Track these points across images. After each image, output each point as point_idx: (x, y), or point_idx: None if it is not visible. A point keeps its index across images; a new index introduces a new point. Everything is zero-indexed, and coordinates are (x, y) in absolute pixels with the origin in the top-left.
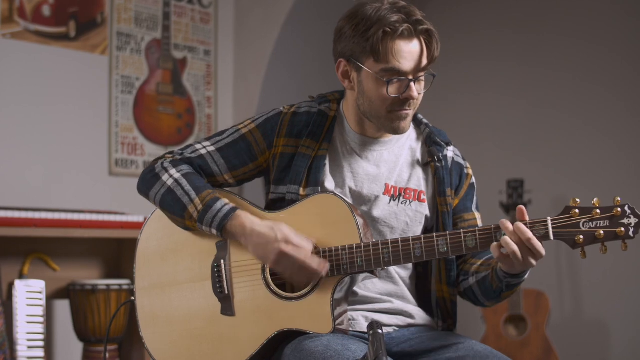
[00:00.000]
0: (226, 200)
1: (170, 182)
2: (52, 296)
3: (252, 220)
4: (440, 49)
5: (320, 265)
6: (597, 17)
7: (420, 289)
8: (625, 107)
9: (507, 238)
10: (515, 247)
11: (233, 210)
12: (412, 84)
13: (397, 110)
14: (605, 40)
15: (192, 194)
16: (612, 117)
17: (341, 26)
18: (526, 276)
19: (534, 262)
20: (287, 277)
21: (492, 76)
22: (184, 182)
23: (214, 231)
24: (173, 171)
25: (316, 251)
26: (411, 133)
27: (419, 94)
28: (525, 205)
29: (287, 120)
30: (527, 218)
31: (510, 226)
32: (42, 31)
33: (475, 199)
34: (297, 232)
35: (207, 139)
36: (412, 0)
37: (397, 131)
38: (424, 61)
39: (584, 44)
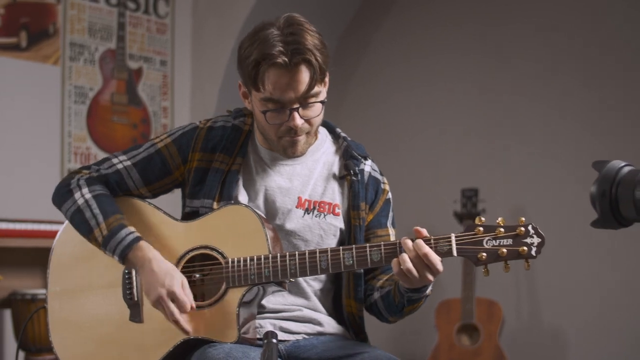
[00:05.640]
0: (131, 229)
1: (80, 201)
2: None
3: (151, 257)
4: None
5: (187, 328)
6: (558, 19)
7: (335, 303)
8: (582, 115)
9: (404, 255)
10: (410, 265)
11: (136, 240)
12: (294, 112)
13: (286, 137)
14: (563, 46)
15: (100, 217)
16: (568, 125)
17: (239, 47)
18: (428, 291)
19: (431, 277)
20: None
21: (447, 83)
22: (93, 204)
23: (116, 258)
24: (85, 190)
25: (225, 261)
26: (328, 147)
27: (307, 120)
28: (478, 214)
29: (203, 135)
30: (425, 235)
31: (409, 243)
32: None
33: (391, 214)
34: (186, 289)
35: (124, 153)
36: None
37: (290, 156)
38: (302, 89)
39: (541, 50)
